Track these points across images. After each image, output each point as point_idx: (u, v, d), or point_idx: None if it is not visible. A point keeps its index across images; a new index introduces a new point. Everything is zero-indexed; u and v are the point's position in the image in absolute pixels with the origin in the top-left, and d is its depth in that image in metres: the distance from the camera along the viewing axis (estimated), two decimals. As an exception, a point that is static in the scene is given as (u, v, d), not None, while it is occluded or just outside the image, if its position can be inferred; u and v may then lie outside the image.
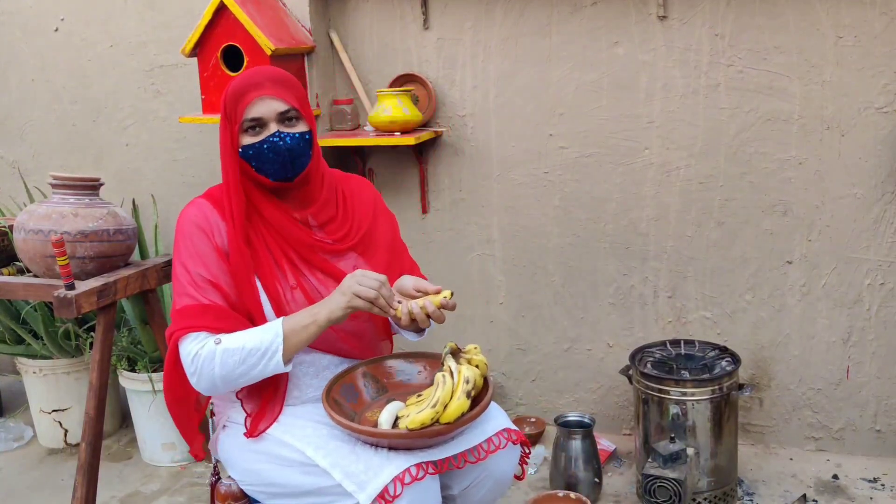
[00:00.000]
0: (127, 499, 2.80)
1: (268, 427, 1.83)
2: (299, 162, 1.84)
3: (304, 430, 1.79)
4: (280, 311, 1.82)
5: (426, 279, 2.06)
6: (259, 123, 1.81)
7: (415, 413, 1.66)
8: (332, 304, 1.73)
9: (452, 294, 1.78)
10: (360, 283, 1.72)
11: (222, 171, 1.87)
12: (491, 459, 1.77)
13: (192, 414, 1.94)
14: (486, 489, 1.83)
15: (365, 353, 1.95)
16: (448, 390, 1.68)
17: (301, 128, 1.85)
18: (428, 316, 1.75)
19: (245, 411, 1.86)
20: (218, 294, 1.78)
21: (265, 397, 1.85)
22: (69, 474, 2.91)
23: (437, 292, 1.78)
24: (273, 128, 1.81)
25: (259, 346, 1.71)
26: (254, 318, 1.81)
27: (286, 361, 1.74)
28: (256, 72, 1.85)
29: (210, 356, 1.71)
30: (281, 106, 1.81)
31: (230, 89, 1.82)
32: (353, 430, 1.69)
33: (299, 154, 1.83)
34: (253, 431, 1.83)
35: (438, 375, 1.72)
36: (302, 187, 1.88)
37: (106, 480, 2.79)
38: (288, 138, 1.82)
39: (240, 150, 1.83)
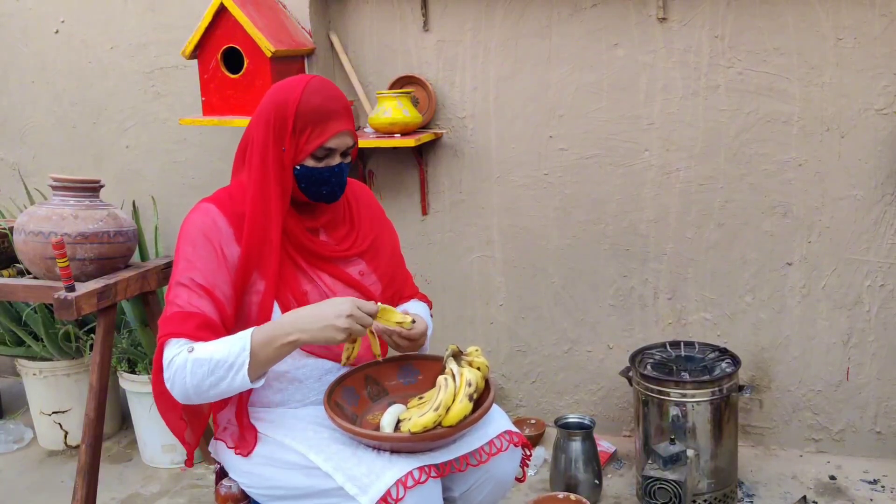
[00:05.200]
0: (127, 500, 2.80)
1: (251, 450, 1.82)
2: (343, 190, 1.89)
3: (305, 432, 1.79)
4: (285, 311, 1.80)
5: (425, 298, 2.11)
6: (328, 154, 1.81)
7: (417, 416, 1.66)
8: (319, 335, 1.65)
9: (412, 321, 1.79)
10: (353, 314, 1.65)
11: (257, 177, 1.81)
12: (492, 462, 1.77)
13: (180, 422, 1.89)
14: (487, 491, 1.83)
15: (366, 359, 1.95)
16: (450, 393, 1.68)
17: (349, 158, 1.88)
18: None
19: (226, 440, 1.87)
20: (209, 302, 1.74)
21: (239, 424, 1.84)
22: (69, 476, 2.91)
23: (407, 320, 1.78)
24: (337, 159, 1.83)
25: (226, 358, 1.65)
26: (264, 315, 1.79)
27: (253, 378, 1.67)
28: (331, 95, 1.81)
29: (182, 364, 1.67)
30: (350, 142, 1.84)
31: (306, 105, 1.77)
32: (356, 433, 1.69)
33: (346, 184, 1.88)
34: (243, 452, 1.82)
35: (440, 378, 1.72)
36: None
37: (106, 482, 2.79)
38: (345, 172, 1.85)
39: (296, 168, 1.81)
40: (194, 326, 1.71)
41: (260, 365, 1.67)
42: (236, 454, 1.84)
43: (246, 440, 1.83)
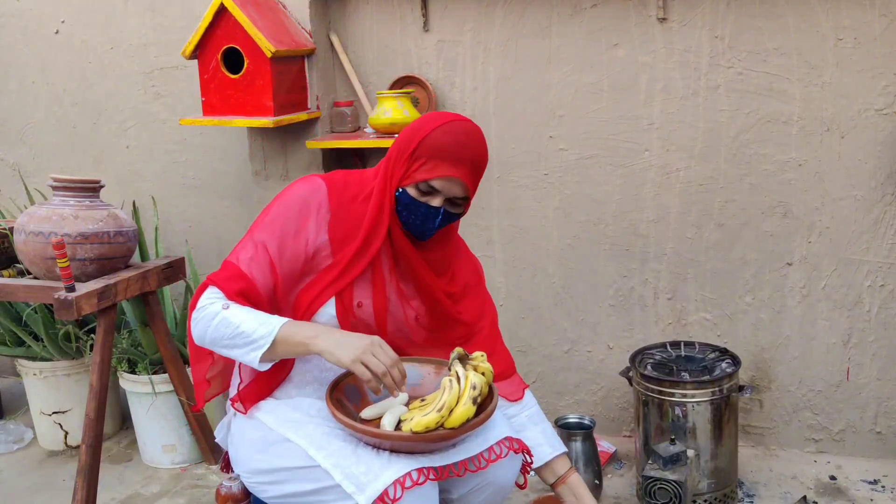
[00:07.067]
0: (127, 501, 2.80)
1: (250, 406, 1.85)
2: (435, 232, 1.86)
3: (306, 427, 1.79)
4: (342, 311, 1.82)
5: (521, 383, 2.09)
6: (431, 192, 1.80)
7: (419, 416, 1.66)
8: (336, 349, 1.68)
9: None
10: (375, 354, 1.68)
11: (380, 183, 1.83)
12: (491, 468, 1.77)
13: (207, 356, 1.93)
14: (486, 495, 1.83)
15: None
16: (454, 395, 1.68)
17: (458, 210, 1.86)
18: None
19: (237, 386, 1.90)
20: (267, 275, 1.78)
21: (259, 379, 1.87)
22: (69, 476, 2.90)
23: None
24: (438, 201, 1.80)
25: (250, 333, 1.70)
26: (312, 306, 1.82)
27: (262, 360, 1.72)
28: (464, 142, 1.78)
29: (210, 316, 1.73)
30: (459, 192, 1.81)
31: (434, 138, 1.77)
32: (357, 429, 1.69)
33: (440, 227, 1.85)
34: (243, 407, 1.86)
35: (445, 380, 1.72)
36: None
37: (106, 482, 2.79)
38: (441, 217, 1.82)
39: (398, 190, 1.82)
40: (237, 290, 1.76)
41: (278, 353, 1.73)
42: (235, 407, 1.87)
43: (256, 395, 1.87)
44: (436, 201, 1.80)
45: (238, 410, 1.87)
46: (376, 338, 1.71)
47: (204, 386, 1.95)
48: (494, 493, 1.84)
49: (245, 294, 1.77)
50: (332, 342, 1.69)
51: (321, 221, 1.82)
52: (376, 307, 1.86)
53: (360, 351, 1.67)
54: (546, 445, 2.00)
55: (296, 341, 1.71)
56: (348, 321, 1.83)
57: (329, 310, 1.82)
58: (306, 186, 1.84)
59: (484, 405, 1.74)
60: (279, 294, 1.81)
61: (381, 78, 3.00)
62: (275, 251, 1.78)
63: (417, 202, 1.80)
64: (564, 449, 2.03)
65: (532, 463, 1.91)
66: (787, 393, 2.87)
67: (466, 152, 1.78)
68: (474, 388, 1.70)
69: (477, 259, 2.09)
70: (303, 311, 1.82)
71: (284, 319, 1.73)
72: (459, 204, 1.84)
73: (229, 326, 1.72)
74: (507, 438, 1.81)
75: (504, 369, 2.02)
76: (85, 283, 2.51)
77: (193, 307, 1.79)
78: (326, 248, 1.83)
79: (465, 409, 1.67)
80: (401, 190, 1.81)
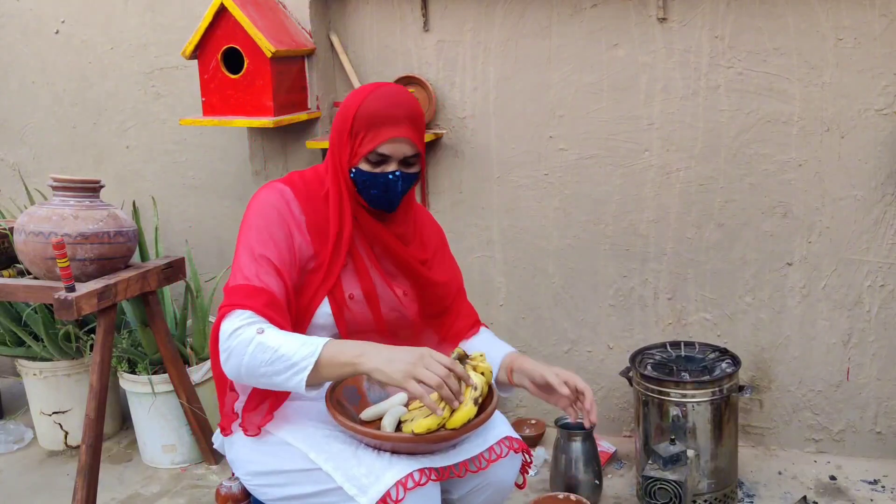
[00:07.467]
0: (127, 501, 2.80)
1: (258, 426, 1.82)
2: (402, 198, 1.85)
3: (306, 429, 1.78)
4: (336, 307, 1.82)
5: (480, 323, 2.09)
6: (383, 160, 1.79)
7: (420, 417, 1.66)
8: (385, 367, 1.60)
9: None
10: (428, 366, 1.59)
11: (332, 176, 1.84)
12: (492, 468, 1.77)
13: (231, 392, 1.88)
14: (487, 496, 1.83)
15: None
16: None
17: (416, 169, 1.84)
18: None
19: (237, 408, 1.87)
20: (278, 282, 1.74)
21: (262, 397, 1.84)
22: (69, 476, 2.91)
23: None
24: (393, 166, 1.79)
25: (291, 356, 1.62)
26: (309, 308, 1.81)
27: (308, 385, 1.63)
28: (395, 102, 1.78)
29: (246, 342, 1.64)
30: (409, 150, 1.80)
31: (365, 109, 1.76)
32: (358, 431, 1.68)
33: (405, 192, 1.84)
34: (247, 429, 1.83)
35: None
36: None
37: (106, 482, 2.79)
38: (401, 180, 1.81)
39: (352, 171, 1.81)
40: (262, 303, 1.69)
41: (322, 376, 1.64)
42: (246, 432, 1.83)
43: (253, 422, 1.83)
44: (391, 167, 1.79)
45: (250, 434, 1.82)
46: (426, 349, 1.64)
47: (233, 418, 1.89)
48: (495, 493, 1.84)
49: (272, 305, 1.71)
50: (380, 360, 1.61)
51: (300, 224, 1.81)
52: (366, 294, 1.86)
53: (411, 366, 1.59)
54: (498, 354, 1.97)
55: (342, 361, 1.63)
56: (343, 315, 1.83)
57: (325, 309, 1.82)
58: (273, 193, 1.82)
59: (484, 405, 1.74)
60: (293, 304, 1.78)
61: (381, 78, 3.00)
62: (276, 259, 1.75)
63: (374, 174, 1.79)
64: (513, 349, 1.99)
65: (531, 462, 1.91)
66: (787, 393, 2.87)
67: (400, 110, 1.78)
68: (475, 388, 1.70)
69: (437, 222, 2.10)
70: (301, 316, 1.82)
71: (326, 339, 1.65)
72: (413, 163, 1.83)
73: (267, 351, 1.62)
74: (507, 438, 1.81)
75: (475, 322, 2.07)
76: (85, 283, 2.51)
77: (216, 339, 1.72)
78: (310, 248, 1.83)
79: (466, 410, 1.67)
80: (354, 170, 1.81)
